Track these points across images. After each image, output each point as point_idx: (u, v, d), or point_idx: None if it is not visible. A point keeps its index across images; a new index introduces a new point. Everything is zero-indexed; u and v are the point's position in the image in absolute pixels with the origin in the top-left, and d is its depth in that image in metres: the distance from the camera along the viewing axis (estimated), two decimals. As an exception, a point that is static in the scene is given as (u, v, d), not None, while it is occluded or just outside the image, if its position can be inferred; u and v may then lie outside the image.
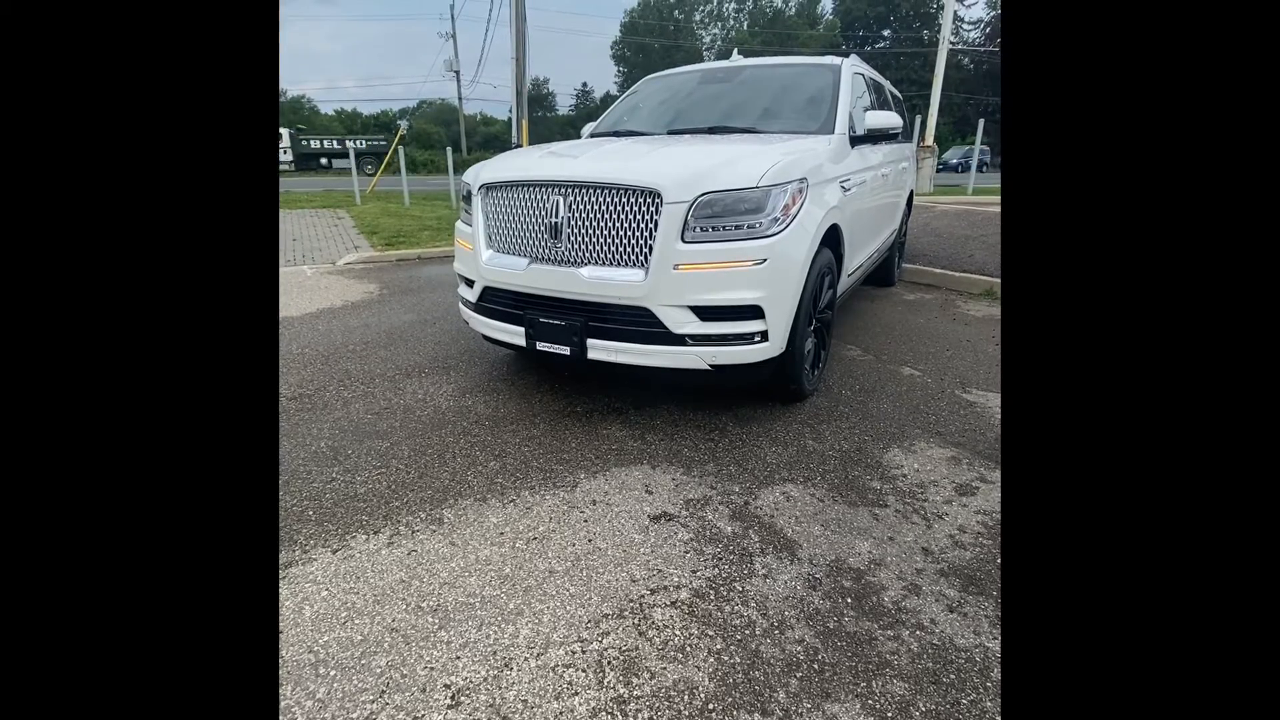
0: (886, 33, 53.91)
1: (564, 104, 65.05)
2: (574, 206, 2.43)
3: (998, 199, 12.20)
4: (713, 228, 2.31)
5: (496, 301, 2.76)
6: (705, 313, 2.36)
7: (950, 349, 3.78)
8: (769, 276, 2.34)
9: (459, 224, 3.02)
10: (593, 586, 1.70)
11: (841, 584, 1.72)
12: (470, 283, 2.90)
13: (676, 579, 1.73)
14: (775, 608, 1.63)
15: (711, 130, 3.23)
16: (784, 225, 2.36)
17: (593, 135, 3.76)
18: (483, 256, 2.71)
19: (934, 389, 3.13)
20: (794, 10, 49.76)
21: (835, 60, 3.58)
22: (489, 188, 2.70)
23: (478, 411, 2.84)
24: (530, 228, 2.56)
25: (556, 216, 2.47)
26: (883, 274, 5.14)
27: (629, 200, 2.34)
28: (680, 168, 2.38)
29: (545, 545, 1.87)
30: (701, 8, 51.91)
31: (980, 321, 4.43)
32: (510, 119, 13.93)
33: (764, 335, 2.41)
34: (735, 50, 4.15)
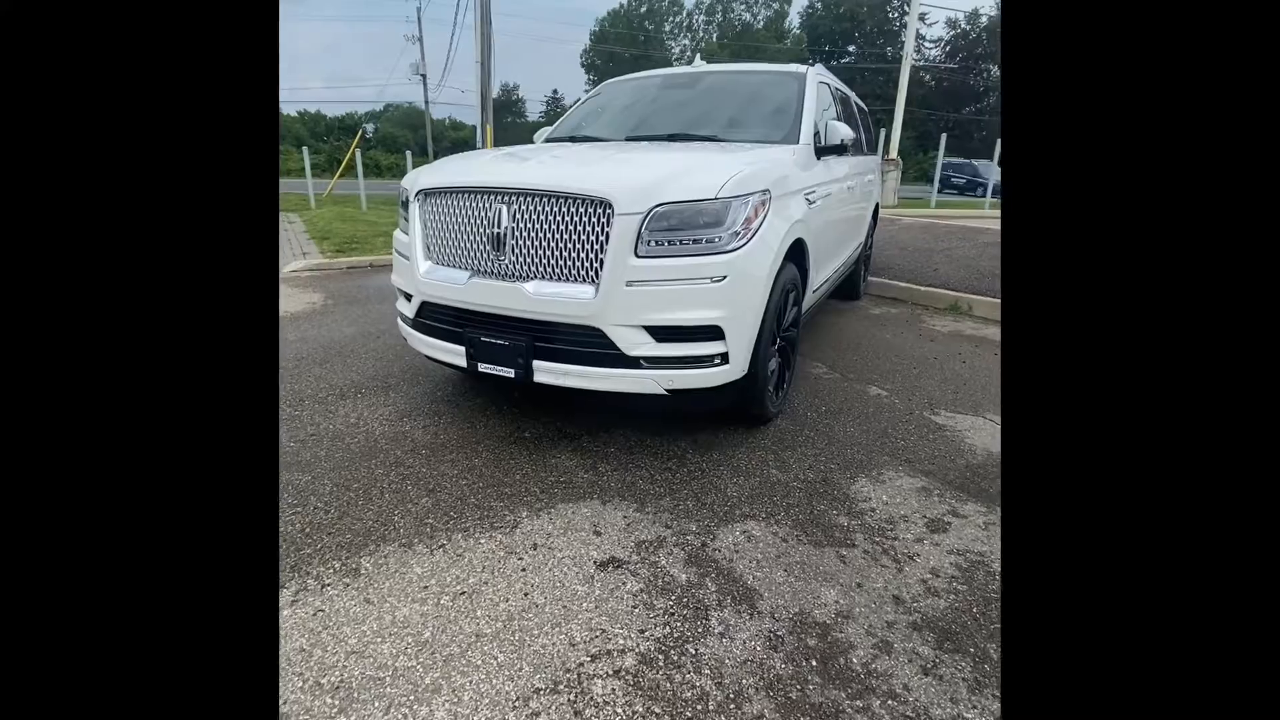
0: (851, 48, 55.12)
1: (534, 111, 64.76)
2: (519, 216, 2.23)
3: (960, 213, 12.40)
4: (668, 241, 2.12)
5: (435, 318, 2.53)
6: (661, 333, 2.17)
7: (917, 367, 3.67)
8: (729, 294, 2.17)
9: (397, 233, 2.78)
10: (525, 653, 1.48)
11: (806, 643, 1.54)
12: (408, 297, 2.66)
13: (622, 641, 1.53)
14: (732, 675, 1.44)
15: (672, 138, 3.06)
16: (745, 239, 2.19)
17: (548, 140, 3.56)
18: (420, 269, 2.48)
19: (902, 410, 3.00)
20: (762, 24, 50.48)
21: (800, 68, 3.46)
22: (427, 194, 2.47)
23: (415, 438, 2.59)
24: (471, 238, 2.35)
25: (499, 227, 2.25)
26: (848, 288, 5.05)
27: (578, 210, 2.15)
28: (634, 177, 2.20)
29: (475, 601, 1.65)
30: (671, 18, 52.29)
31: (947, 338, 4.35)
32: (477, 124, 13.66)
33: (724, 357, 2.23)
34: (698, 56, 4.00)
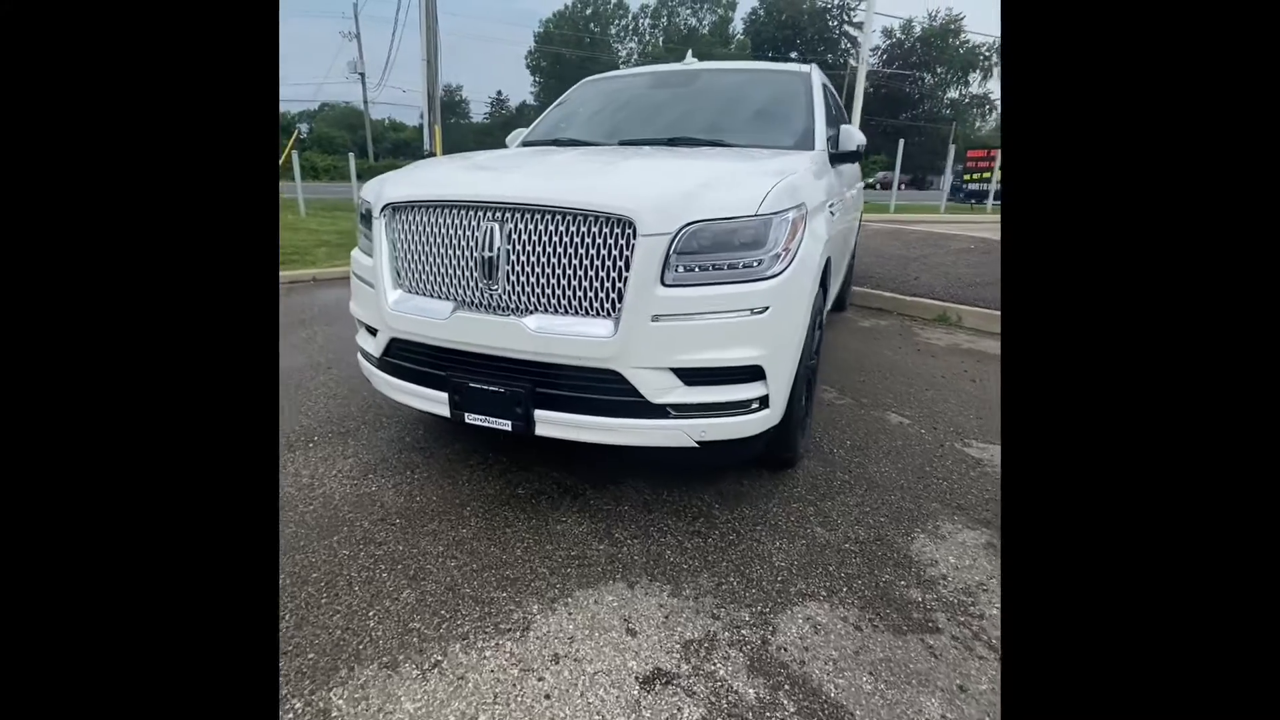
0: (793, 55, 56.35)
1: (478, 112, 63.42)
2: (515, 236, 1.82)
3: (920, 217, 12.56)
4: (699, 267, 1.77)
5: (409, 358, 2.09)
6: (691, 376, 1.81)
7: (929, 388, 3.44)
8: (772, 328, 1.83)
9: (356, 254, 2.33)
10: (572, 841, 1.09)
11: (927, 787, 1.21)
12: (372, 331, 2.21)
13: (695, 804, 1.16)
14: None
15: (672, 142, 2.70)
16: (787, 263, 1.86)
17: (525, 144, 3.15)
18: (388, 299, 2.04)
19: (930, 443, 2.74)
20: (707, 29, 50.92)
21: (803, 68, 3.17)
22: (396, 209, 2.03)
23: (385, 502, 2.14)
24: (454, 263, 1.92)
25: (490, 249, 1.84)
26: (838, 299, 4.83)
27: (591, 230, 1.76)
28: (658, 189, 1.83)
29: (491, 754, 1.25)
30: (617, 21, 52.11)
31: (946, 353, 4.16)
32: (421, 124, 12.95)
33: (764, 401, 1.89)
34: (689, 52, 3.69)
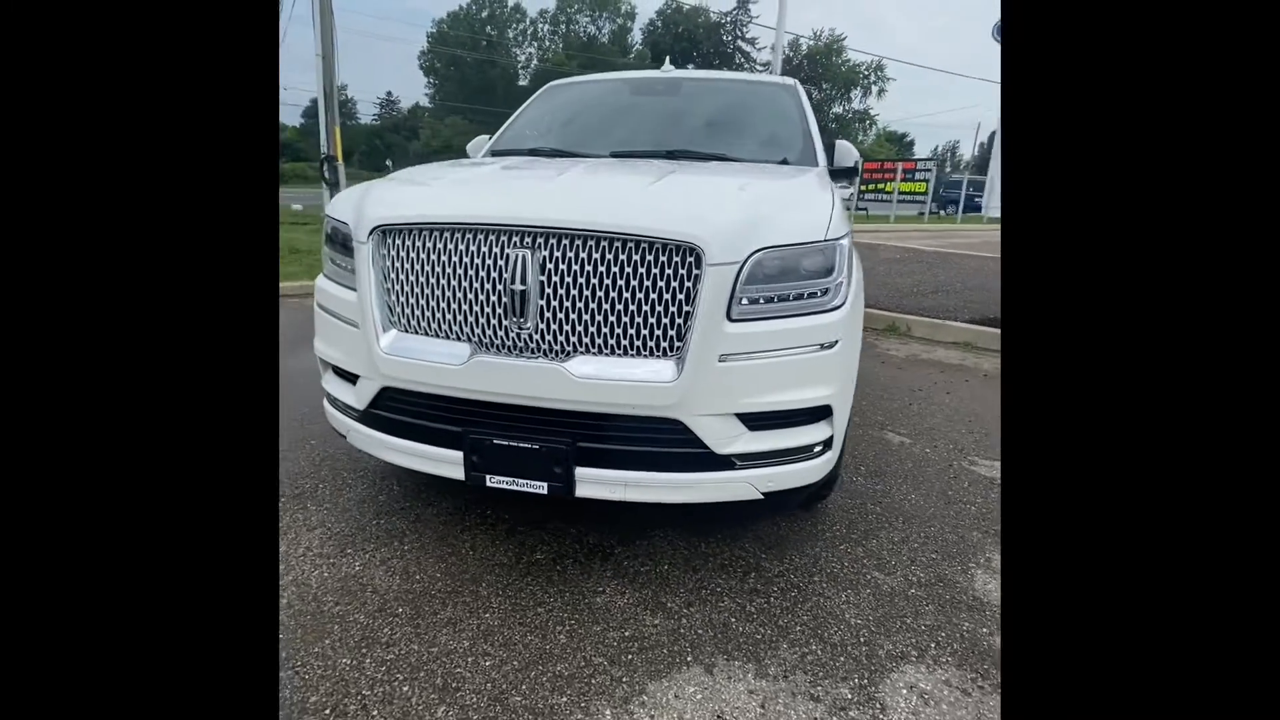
0: (691, 66, 57.97)
1: (366, 112, 60.05)
2: (554, 266, 1.54)
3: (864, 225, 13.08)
4: (765, 298, 1.57)
5: (409, 411, 1.74)
6: (757, 421, 1.61)
7: (910, 401, 3.46)
8: (840, 363, 1.66)
9: (322, 283, 1.92)
10: None
11: None
12: (349, 377, 1.83)
13: None
14: None
15: (671, 155, 2.48)
16: (849, 291, 1.71)
17: (495, 153, 2.82)
18: (380, 341, 1.68)
19: (939, 463, 2.70)
20: (607, 38, 51.19)
21: (788, 80, 3.07)
22: (388, 232, 1.67)
23: (379, 586, 1.77)
24: (472, 297, 1.61)
25: (523, 281, 1.54)
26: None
27: (647, 258, 1.52)
28: (724, 212, 1.61)
29: None
30: (515, 26, 51.17)
31: (910, 364, 4.24)
32: (300, 125, 11.84)
33: (828, 443, 1.72)
34: (666, 60, 3.49)
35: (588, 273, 1.53)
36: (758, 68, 61.27)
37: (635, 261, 1.51)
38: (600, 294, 1.54)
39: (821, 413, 1.68)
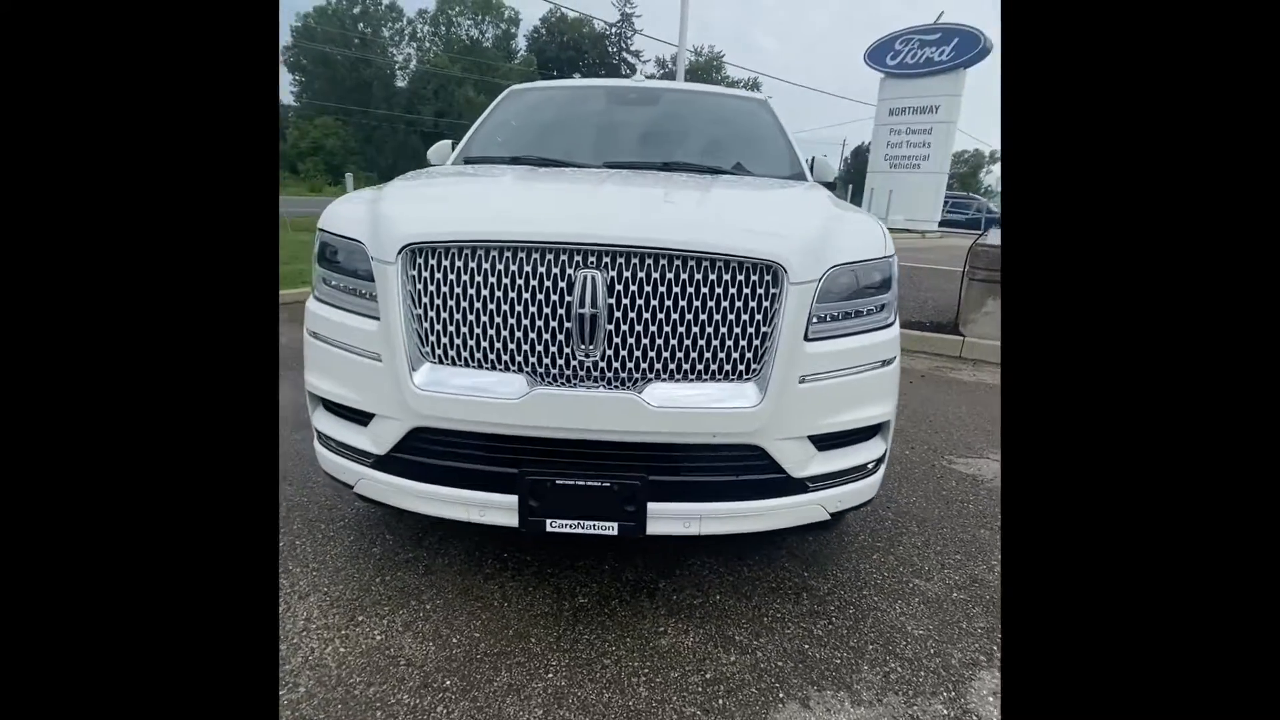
0: (577, 75, 58.13)
1: (221, 110, 54.41)
2: (624, 288, 1.42)
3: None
4: (833, 316, 1.55)
5: (447, 453, 1.53)
6: (825, 441, 1.58)
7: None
8: (894, 380, 1.68)
9: (316, 307, 1.65)
10: None
11: None
12: (359, 417, 1.59)
13: None
14: None
15: (666, 166, 2.41)
16: (896, 308, 1.73)
17: (470, 160, 2.60)
18: (413, 376, 1.46)
19: (922, 463, 2.84)
20: (491, 42, 50.02)
21: (760, 96, 3.10)
22: (422, 251, 1.46)
23: (412, 656, 1.54)
24: (527, 323, 1.44)
25: (592, 304, 1.41)
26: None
27: (724, 277, 1.43)
28: (801, 228, 1.57)
29: None
30: (390, 24, 48.60)
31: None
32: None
33: (880, 461, 1.72)
34: (638, 69, 3.38)
35: (661, 294, 1.43)
36: (643, 79, 62.44)
37: (713, 281, 1.43)
38: (675, 316, 1.43)
39: (877, 430, 1.68)
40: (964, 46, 16.57)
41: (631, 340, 1.43)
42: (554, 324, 1.43)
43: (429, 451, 1.54)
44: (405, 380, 1.46)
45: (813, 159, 2.79)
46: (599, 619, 1.70)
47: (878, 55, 18.02)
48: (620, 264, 1.42)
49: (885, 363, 1.63)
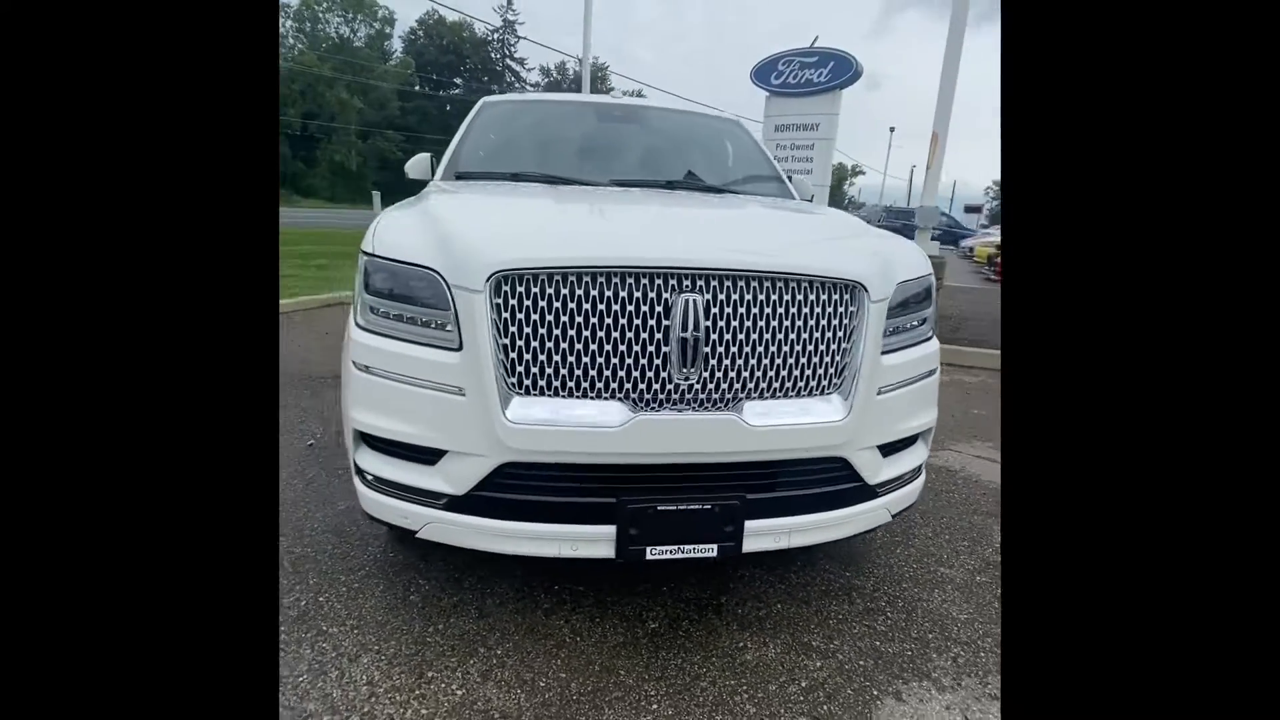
0: (458, 80, 56.36)
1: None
2: (719, 310, 1.43)
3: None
4: (895, 330, 1.66)
5: (536, 488, 1.45)
6: (889, 449, 1.69)
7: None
8: (936, 388, 1.82)
9: (366, 338, 1.51)
10: None
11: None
12: (427, 456, 1.48)
13: None
14: None
15: (671, 185, 2.44)
16: (930, 320, 1.88)
17: (459, 176, 2.47)
18: (505, 411, 1.38)
19: (898, 459, 3.07)
20: (363, 41, 47.23)
21: (733, 116, 3.21)
22: (508, 277, 1.38)
23: (506, 709, 1.44)
24: (625, 349, 1.41)
25: (695, 328, 1.41)
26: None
27: (812, 297, 1.49)
28: (868, 247, 1.66)
29: None
30: (245, 16, 44.41)
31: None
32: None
33: (922, 466, 1.86)
34: (614, 89, 3.35)
35: (754, 315, 1.46)
36: (528, 88, 61.95)
37: (800, 301, 1.48)
38: (767, 336, 1.47)
39: (923, 436, 1.82)
40: (839, 69, 17.99)
41: (727, 361, 1.45)
42: (650, 349, 1.42)
43: (515, 487, 1.46)
44: (496, 414, 1.38)
45: (790, 176, 2.94)
46: (677, 641, 1.69)
47: (763, 74, 19.10)
48: (714, 287, 1.43)
49: (931, 372, 1.76)
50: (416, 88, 50.37)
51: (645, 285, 1.40)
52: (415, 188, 2.47)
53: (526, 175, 2.40)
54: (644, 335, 1.41)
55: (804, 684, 1.56)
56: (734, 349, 1.45)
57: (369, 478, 1.57)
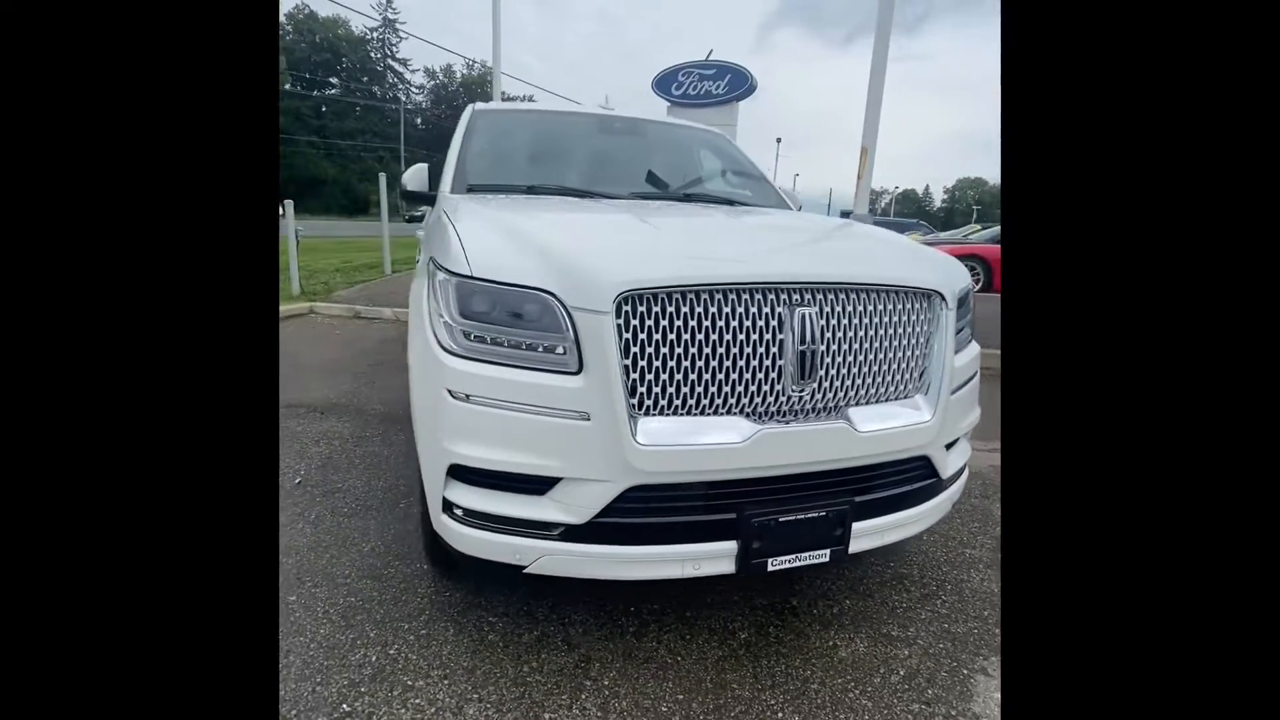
0: (335, 80, 52.89)
1: None
2: (825, 322, 1.48)
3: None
4: (957, 333, 1.79)
5: (661, 509, 1.43)
6: (950, 445, 1.82)
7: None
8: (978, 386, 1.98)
9: (460, 365, 1.41)
10: None
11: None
12: (536, 486, 1.41)
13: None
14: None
15: (688, 197, 2.47)
16: (962, 322, 2.04)
17: (470, 188, 2.34)
18: (636, 433, 1.35)
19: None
20: (221, 34, 42.99)
21: (717, 129, 3.28)
22: (629, 298, 1.35)
23: (643, 738, 1.40)
24: (744, 364, 1.42)
25: (813, 341, 1.44)
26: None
27: (899, 306, 1.58)
28: (927, 255, 1.77)
29: None
30: None
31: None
32: None
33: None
34: (605, 98, 3.28)
35: (855, 325, 1.52)
36: (413, 90, 59.23)
37: (891, 309, 1.57)
38: (868, 345, 1.54)
39: (966, 432, 1.97)
40: (736, 82, 18.82)
41: (834, 371, 1.50)
42: (767, 363, 1.44)
43: (638, 510, 1.42)
44: (626, 437, 1.34)
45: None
46: (773, 648, 1.72)
47: (664, 85, 19.58)
48: (820, 300, 1.48)
49: (976, 373, 1.92)
50: (287, 86, 46.67)
51: (760, 300, 1.42)
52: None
53: (542, 188, 2.33)
54: (761, 350, 1.43)
55: (902, 673, 1.65)
56: (838, 359, 1.50)
57: (461, 512, 1.47)
